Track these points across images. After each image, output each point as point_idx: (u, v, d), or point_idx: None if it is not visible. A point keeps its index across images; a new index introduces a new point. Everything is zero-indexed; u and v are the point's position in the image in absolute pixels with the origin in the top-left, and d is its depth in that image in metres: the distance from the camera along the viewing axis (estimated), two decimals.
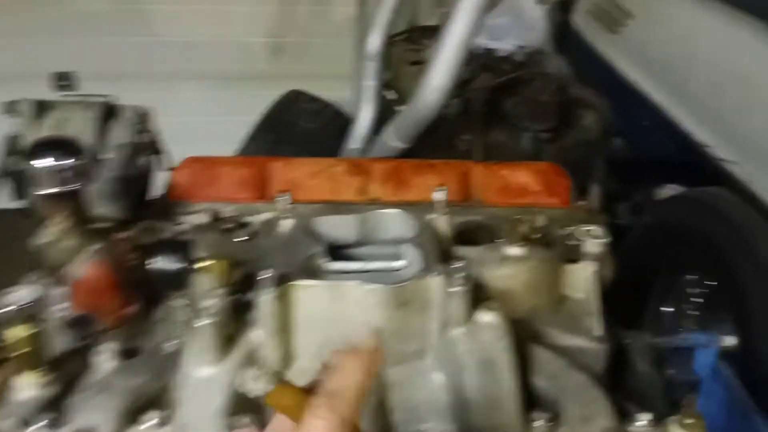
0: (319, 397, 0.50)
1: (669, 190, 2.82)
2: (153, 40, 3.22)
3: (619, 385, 1.02)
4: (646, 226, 2.36)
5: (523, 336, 0.91)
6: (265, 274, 0.79)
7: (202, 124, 3.32)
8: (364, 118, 2.55)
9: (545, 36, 2.60)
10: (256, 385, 0.58)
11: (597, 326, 0.99)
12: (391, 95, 2.56)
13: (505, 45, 2.51)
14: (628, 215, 2.84)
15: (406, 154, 2.15)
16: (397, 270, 0.92)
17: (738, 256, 1.88)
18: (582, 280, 1.04)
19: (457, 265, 0.79)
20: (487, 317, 0.82)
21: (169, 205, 1.17)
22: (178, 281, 0.83)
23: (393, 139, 2.11)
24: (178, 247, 0.84)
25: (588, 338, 0.98)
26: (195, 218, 1.12)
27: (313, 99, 2.70)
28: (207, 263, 0.84)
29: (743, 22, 2.00)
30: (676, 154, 2.34)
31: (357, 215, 0.98)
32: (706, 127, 2.17)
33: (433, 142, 2.18)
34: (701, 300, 2.19)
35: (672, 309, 2.31)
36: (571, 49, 3.07)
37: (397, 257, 0.96)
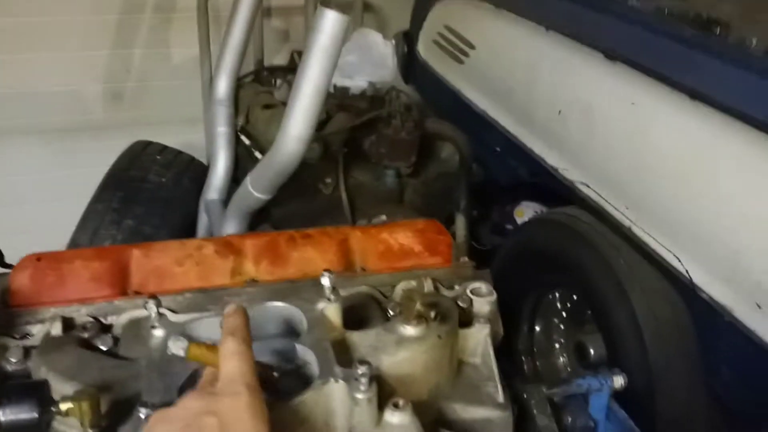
0: (222, 335, 0.72)
1: (524, 208, 2.96)
2: None
3: None
4: (508, 251, 2.44)
5: (428, 418, 0.87)
6: (143, 413, 0.68)
7: (36, 183, 3.01)
8: (221, 167, 2.43)
9: (395, 71, 2.62)
10: (178, 350, 0.72)
11: (498, 392, 0.97)
12: (246, 140, 2.45)
13: (357, 82, 2.50)
14: (488, 236, 2.94)
15: (269, 202, 2.07)
16: (293, 372, 0.84)
17: (598, 274, 1.98)
18: (476, 343, 1.02)
19: (361, 370, 0.72)
20: (396, 418, 0.76)
21: (9, 315, 1.00)
22: (36, 430, 0.70)
23: (254, 191, 2.01)
24: (32, 390, 0.71)
25: (492, 407, 0.95)
26: (44, 329, 0.97)
27: (163, 149, 2.53)
28: (69, 405, 0.71)
29: (579, 51, 2.12)
30: (529, 177, 2.43)
31: None
32: (554, 152, 2.27)
33: (296, 189, 2.12)
34: (568, 315, 2.30)
35: (541, 327, 2.42)
36: (417, 80, 3.13)
37: (287, 353, 0.88)
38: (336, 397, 0.75)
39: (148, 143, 2.55)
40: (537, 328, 2.39)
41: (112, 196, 2.26)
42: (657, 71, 1.81)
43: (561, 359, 2.37)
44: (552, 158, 2.27)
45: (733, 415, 1.74)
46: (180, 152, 2.59)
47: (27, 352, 0.93)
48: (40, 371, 0.86)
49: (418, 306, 0.89)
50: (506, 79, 2.50)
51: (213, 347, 0.73)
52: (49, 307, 1.01)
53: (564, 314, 2.33)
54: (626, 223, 1.95)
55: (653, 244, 1.86)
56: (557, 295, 2.30)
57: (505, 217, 2.96)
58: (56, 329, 0.96)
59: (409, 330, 0.89)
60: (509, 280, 2.26)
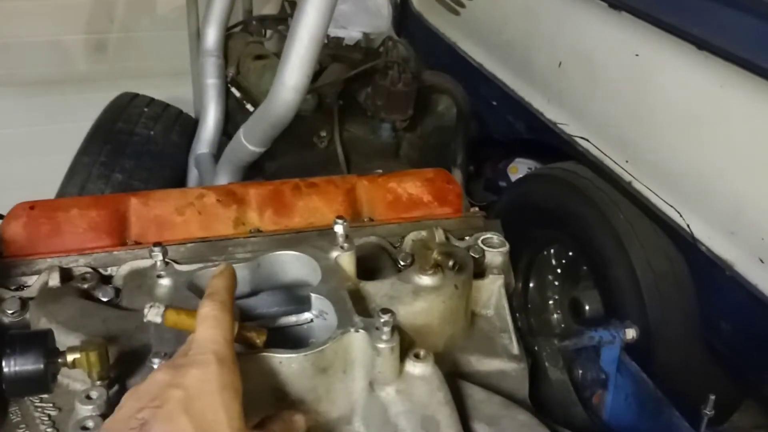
0: (203, 299, 0.69)
1: (518, 164, 2.93)
2: None
3: (536, 395, 0.98)
4: (505, 206, 2.42)
5: (444, 369, 0.84)
6: (156, 363, 0.64)
7: (18, 136, 2.92)
8: (211, 120, 2.36)
9: (390, 21, 2.55)
10: (155, 317, 0.71)
11: (513, 344, 0.95)
12: (237, 92, 2.38)
13: (351, 32, 2.42)
14: (481, 193, 2.92)
15: (262, 155, 2.02)
16: (308, 323, 0.81)
17: (597, 229, 1.97)
18: (490, 295, 0.99)
19: (384, 318, 0.69)
20: (418, 369, 0.73)
21: (3, 266, 0.95)
22: (42, 382, 0.66)
23: (248, 143, 1.95)
24: (37, 340, 0.67)
25: (507, 359, 0.93)
26: (42, 280, 0.92)
27: (150, 101, 2.45)
28: (77, 355, 0.67)
29: (581, 1, 2.06)
30: (526, 131, 2.39)
31: (248, 263, 0.85)
32: (554, 106, 2.23)
33: (290, 142, 2.06)
34: (563, 271, 2.30)
35: (535, 284, 2.41)
36: (412, 32, 3.05)
37: (300, 302, 0.84)
38: (356, 347, 0.72)
39: (135, 95, 2.47)
40: (531, 285, 2.39)
41: (100, 148, 2.20)
42: (663, 21, 1.76)
43: (555, 316, 2.37)
44: (551, 112, 2.23)
45: (731, 369, 1.75)
46: (168, 105, 2.51)
47: (24, 303, 0.89)
48: (41, 322, 0.82)
49: (435, 255, 0.86)
50: (504, 31, 2.44)
51: (192, 312, 0.69)
52: (45, 258, 0.96)
53: (559, 271, 2.32)
54: (626, 177, 1.92)
55: (654, 199, 1.84)
56: (552, 251, 2.29)
57: (498, 174, 2.93)
58: (54, 280, 0.91)
59: (426, 279, 0.86)
60: (505, 236, 2.25)
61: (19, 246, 0.98)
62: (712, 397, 0.98)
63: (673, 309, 1.82)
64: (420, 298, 0.84)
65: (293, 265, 0.85)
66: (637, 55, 1.86)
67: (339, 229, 0.85)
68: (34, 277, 0.94)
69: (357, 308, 0.78)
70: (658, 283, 1.84)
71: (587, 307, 2.19)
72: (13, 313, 0.86)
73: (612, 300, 1.94)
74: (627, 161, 1.93)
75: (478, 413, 0.77)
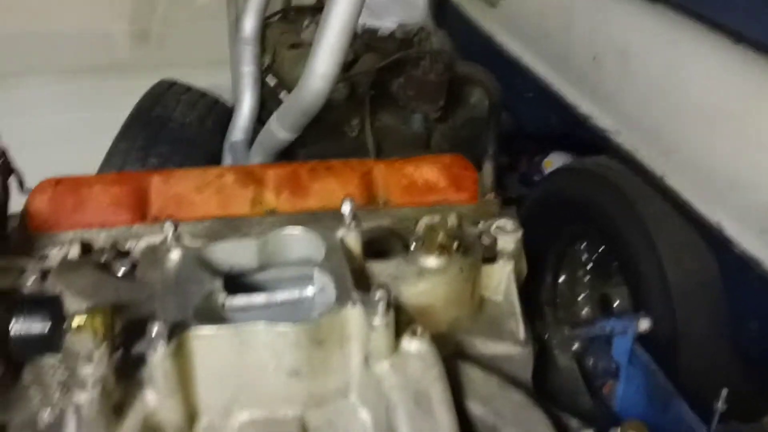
0: None
1: (554, 158, 2.89)
2: None
3: (543, 381, 0.98)
4: (536, 199, 2.39)
5: (446, 351, 0.85)
6: (155, 328, 0.67)
7: (59, 123, 3.01)
8: (246, 107, 2.40)
9: (426, 12, 2.54)
10: None
11: (520, 329, 0.95)
12: (271, 81, 2.41)
13: (386, 23, 2.43)
14: (515, 186, 2.89)
15: (294, 143, 2.05)
16: (308, 298, 0.82)
17: (628, 223, 1.94)
18: (500, 280, 0.99)
19: (379, 294, 0.70)
20: (413, 345, 0.74)
21: (28, 238, 1.00)
22: (48, 343, 0.69)
23: (279, 130, 1.98)
24: (44, 303, 0.70)
25: (513, 343, 0.93)
26: (62, 252, 0.96)
27: (188, 89, 2.50)
28: (82, 319, 0.70)
29: None
30: (560, 125, 2.36)
31: (256, 239, 0.87)
32: (588, 99, 2.19)
33: (321, 130, 2.08)
34: (594, 267, 2.26)
35: (565, 278, 2.38)
36: (450, 24, 3.04)
37: (305, 280, 0.86)
38: (352, 322, 0.74)
39: (173, 83, 2.52)
40: (561, 279, 2.36)
41: (137, 134, 2.25)
42: (701, 13, 1.72)
43: (584, 311, 2.34)
44: (585, 105, 2.20)
45: (760, 370, 1.70)
46: (204, 93, 2.56)
47: (44, 274, 0.93)
48: (56, 291, 0.85)
49: (441, 237, 0.86)
50: (541, 23, 2.41)
51: None
52: (68, 231, 1.00)
53: (589, 266, 2.29)
54: (659, 172, 1.89)
55: (686, 194, 1.80)
56: (583, 246, 2.26)
57: (533, 168, 2.90)
58: (74, 252, 0.95)
59: (431, 261, 0.86)
60: (535, 230, 2.22)
61: (43, 220, 1.03)
62: (724, 392, 0.96)
63: (702, 307, 1.77)
64: (424, 279, 0.85)
65: (299, 242, 0.86)
66: (673, 48, 1.82)
67: (346, 208, 0.86)
68: (56, 249, 0.98)
69: (360, 286, 0.79)
70: (687, 280, 1.80)
71: (617, 303, 2.16)
72: (32, 283, 0.90)
73: (640, 296, 1.90)
74: (660, 156, 1.89)
75: (474, 392, 0.78)
